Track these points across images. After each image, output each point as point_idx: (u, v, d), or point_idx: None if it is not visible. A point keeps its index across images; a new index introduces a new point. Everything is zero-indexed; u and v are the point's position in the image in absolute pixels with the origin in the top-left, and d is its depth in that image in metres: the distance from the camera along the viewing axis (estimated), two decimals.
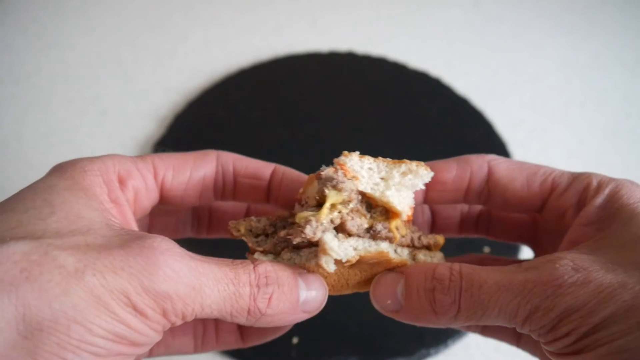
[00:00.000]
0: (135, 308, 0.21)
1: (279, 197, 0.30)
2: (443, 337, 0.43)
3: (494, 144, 0.54)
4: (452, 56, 0.64)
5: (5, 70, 0.62)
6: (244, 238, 0.27)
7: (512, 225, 0.31)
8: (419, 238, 0.27)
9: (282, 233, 0.26)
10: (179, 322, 0.22)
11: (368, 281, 0.27)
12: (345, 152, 0.26)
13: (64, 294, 0.19)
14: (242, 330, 0.30)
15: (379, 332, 0.43)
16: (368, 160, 0.26)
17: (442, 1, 0.70)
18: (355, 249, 0.25)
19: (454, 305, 0.24)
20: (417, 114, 0.56)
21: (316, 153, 0.54)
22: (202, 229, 0.32)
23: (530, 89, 0.61)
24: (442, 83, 0.59)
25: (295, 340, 0.43)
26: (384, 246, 0.25)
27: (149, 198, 0.27)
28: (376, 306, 0.27)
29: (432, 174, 0.26)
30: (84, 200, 0.23)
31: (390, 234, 0.26)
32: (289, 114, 0.56)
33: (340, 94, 0.58)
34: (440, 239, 0.28)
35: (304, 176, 0.29)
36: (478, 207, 0.31)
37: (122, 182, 0.25)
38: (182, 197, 0.28)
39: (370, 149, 0.57)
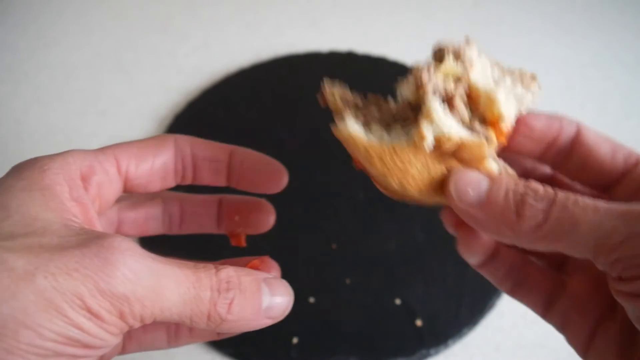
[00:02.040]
0: (89, 311, 0.20)
1: (240, 179, 0.29)
2: (443, 337, 0.43)
3: None
4: None
5: (5, 70, 0.62)
6: (334, 105, 0.25)
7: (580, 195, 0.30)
8: (504, 167, 0.25)
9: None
10: (137, 324, 0.22)
11: (441, 186, 0.24)
12: (466, 37, 0.24)
13: (12, 298, 0.19)
14: None
15: (379, 332, 0.43)
16: (485, 57, 0.24)
17: (442, 1, 0.70)
18: (456, 131, 0.22)
19: (542, 213, 0.22)
20: None
21: (316, 153, 0.54)
22: (174, 224, 0.32)
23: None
24: None
25: (295, 340, 0.43)
26: (483, 141, 0.23)
27: (113, 191, 0.26)
28: (453, 194, 0.24)
29: (540, 90, 0.25)
30: (41, 201, 0.22)
31: (488, 135, 0.23)
32: (289, 114, 0.56)
33: None
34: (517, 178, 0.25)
35: (264, 157, 0.29)
36: (541, 171, 0.30)
37: (85, 179, 0.25)
38: (145, 184, 0.27)
39: None
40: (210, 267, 0.24)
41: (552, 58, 0.64)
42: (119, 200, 0.28)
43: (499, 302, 0.46)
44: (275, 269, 0.29)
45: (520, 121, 0.25)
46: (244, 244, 0.31)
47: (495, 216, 0.23)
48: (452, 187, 0.24)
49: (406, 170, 0.24)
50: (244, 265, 0.27)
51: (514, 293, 0.29)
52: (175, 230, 0.32)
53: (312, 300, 0.45)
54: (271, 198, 0.50)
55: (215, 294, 0.23)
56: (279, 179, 0.29)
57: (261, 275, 0.25)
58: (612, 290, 0.22)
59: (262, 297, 0.24)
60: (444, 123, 0.22)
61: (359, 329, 0.43)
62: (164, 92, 0.60)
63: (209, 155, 0.29)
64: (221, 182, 0.29)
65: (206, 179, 0.29)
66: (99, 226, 0.25)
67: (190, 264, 0.24)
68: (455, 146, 0.23)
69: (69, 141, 0.56)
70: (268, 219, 0.31)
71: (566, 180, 0.29)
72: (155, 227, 0.31)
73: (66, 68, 0.62)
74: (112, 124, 0.57)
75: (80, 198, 0.24)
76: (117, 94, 0.60)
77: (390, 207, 0.50)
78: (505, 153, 0.26)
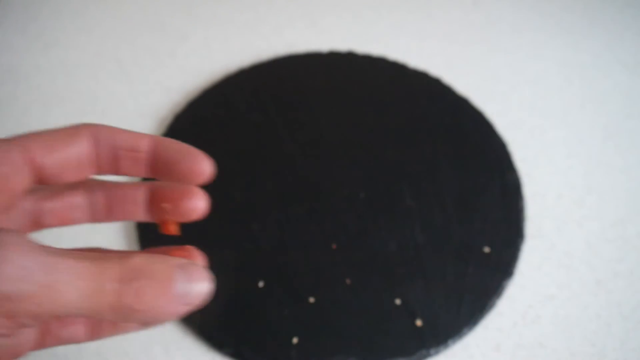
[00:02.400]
0: None
1: (162, 170, 0.28)
2: (443, 337, 0.43)
3: (495, 144, 0.54)
4: (452, 56, 0.64)
5: (5, 70, 0.62)
6: None
7: None
8: None
9: None
10: (32, 323, 0.21)
11: None
12: None
13: None
14: None
15: (379, 332, 0.43)
16: None
17: (442, 1, 0.70)
18: None
19: None
20: (418, 113, 0.56)
21: (316, 152, 0.53)
22: (100, 213, 0.30)
23: (530, 90, 0.61)
24: (442, 83, 0.59)
25: (295, 340, 0.43)
26: None
27: (21, 182, 0.25)
28: None
29: None
30: None
31: None
32: (289, 114, 0.56)
33: (340, 93, 0.58)
34: None
35: (185, 146, 0.28)
36: None
37: None
38: (59, 175, 0.26)
39: (371, 149, 0.57)
40: (117, 256, 0.22)
41: (552, 58, 0.64)
42: (37, 190, 0.27)
43: (499, 302, 0.46)
44: (199, 259, 0.28)
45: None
46: (175, 232, 0.29)
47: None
48: None
49: None
50: (166, 254, 0.26)
51: None
52: (102, 219, 0.30)
53: (312, 300, 0.45)
54: (271, 198, 0.51)
55: (120, 285, 0.21)
56: (201, 168, 0.27)
57: (176, 261, 0.24)
58: None
59: (177, 284, 0.23)
60: None
61: (359, 329, 0.43)
62: (164, 92, 0.60)
63: (129, 145, 0.27)
64: (142, 173, 0.28)
65: (127, 170, 0.28)
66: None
67: (94, 254, 0.22)
68: None
69: None
70: (199, 206, 0.29)
71: None
72: (79, 217, 0.30)
73: (66, 68, 0.62)
74: (111, 123, 0.57)
75: None
76: (116, 94, 0.60)
77: (390, 207, 0.50)
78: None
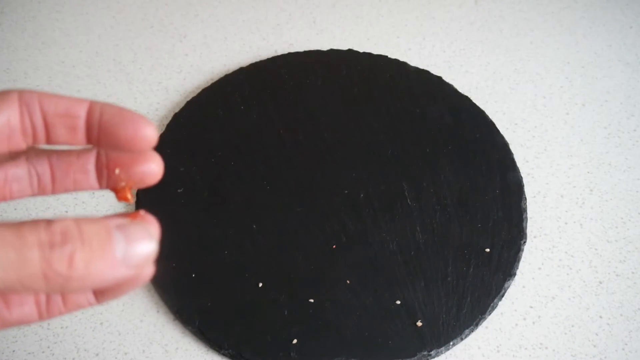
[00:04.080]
0: None
1: (100, 136, 0.26)
2: (443, 338, 0.43)
3: (496, 144, 0.54)
4: (453, 55, 0.63)
5: (3, 69, 0.62)
6: None
7: None
8: None
9: None
10: None
11: None
12: None
13: None
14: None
15: (379, 334, 0.43)
16: None
17: (442, 0, 0.70)
18: None
19: None
20: (418, 112, 0.56)
21: (316, 152, 0.53)
22: (44, 185, 0.28)
23: (531, 88, 0.61)
24: (443, 81, 0.59)
25: (295, 340, 0.43)
26: None
27: None
28: None
29: None
30: None
31: None
32: (288, 113, 0.56)
33: (340, 92, 0.58)
34: None
35: (126, 110, 0.26)
36: None
37: None
38: None
39: (371, 148, 0.57)
40: (40, 221, 0.21)
41: (552, 57, 0.64)
42: None
43: (500, 303, 0.45)
44: (153, 224, 0.25)
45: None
46: (130, 199, 0.28)
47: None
48: None
49: None
50: None
51: None
52: (48, 191, 0.28)
53: (312, 300, 0.44)
54: (271, 198, 0.50)
55: (46, 251, 0.20)
56: (143, 133, 0.25)
57: (113, 221, 0.22)
58: None
59: (115, 245, 0.21)
60: None
61: (359, 329, 0.43)
62: (163, 91, 0.60)
63: (62, 111, 0.25)
64: (80, 141, 0.26)
65: (62, 139, 0.26)
66: None
67: (12, 222, 0.21)
68: None
69: None
70: (154, 170, 0.27)
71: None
72: (20, 190, 0.28)
73: (65, 67, 0.62)
74: None
75: None
76: (115, 94, 0.60)
77: (390, 207, 0.49)
78: None
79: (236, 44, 0.65)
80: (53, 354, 0.44)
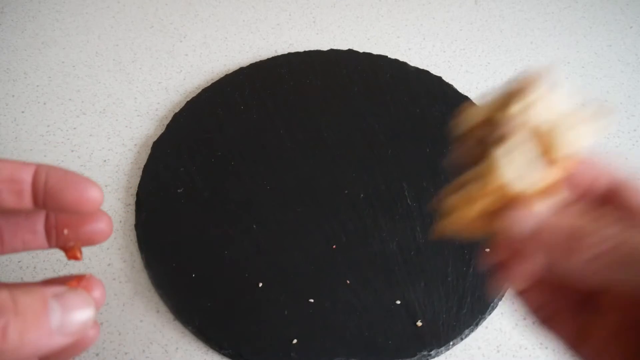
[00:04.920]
0: None
1: (46, 200, 0.25)
2: (444, 338, 0.43)
3: None
4: (452, 55, 0.63)
5: (3, 69, 0.62)
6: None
7: None
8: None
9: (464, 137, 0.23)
10: None
11: (493, 218, 0.23)
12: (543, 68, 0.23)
13: None
14: None
15: (379, 334, 0.43)
16: (561, 91, 0.24)
17: (442, 0, 0.70)
18: (517, 180, 0.22)
19: (609, 241, 0.21)
20: (418, 113, 0.56)
21: (316, 152, 0.53)
22: None
23: None
24: (443, 82, 0.59)
25: (295, 340, 0.43)
26: (541, 188, 0.23)
27: None
28: (512, 222, 0.23)
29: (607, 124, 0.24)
30: None
31: (550, 177, 0.23)
32: (288, 113, 0.56)
33: (340, 92, 0.58)
34: None
35: (71, 174, 0.25)
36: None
37: None
38: None
39: (371, 148, 0.57)
40: None
41: (553, 57, 0.64)
42: None
43: (500, 303, 0.45)
44: (98, 287, 0.26)
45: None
46: (79, 257, 0.28)
47: (557, 241, 0.22)
48: (511, 218, 0.23)
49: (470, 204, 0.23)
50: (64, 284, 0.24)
51: (545, 324, 0.27)
52: None
53: (312, 300, 0.44)
54: (271, 198, 0.50)
55: None
56: (88, 196, 0.25)
57: (49, 291, 0.22)
58: None
59: (50, 315, 0.21)
60: (511, 172, 0.22)
61: (359, 329, 0.43)
62: (163, 91, 0.60)
63: (7, 176, 0.25)
64: (27, 205, 0.25)
65: (9, 203, 0.25)
66: None
67: None
68: (515, 194, 0.22)
69: (68, 140, 0.56)
70: (102, 229, 0.27)
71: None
72: None
73: (64, 67, 0.62)
74: (110, 123, 0.57)
75: None
76: (115, 93, 0.60)
77: (390, 207, 0.49)
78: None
79: (236, 43, 0.65)
80: None
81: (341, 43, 0.64)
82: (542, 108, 0.23)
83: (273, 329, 0.44)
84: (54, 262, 0.48)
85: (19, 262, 0.48)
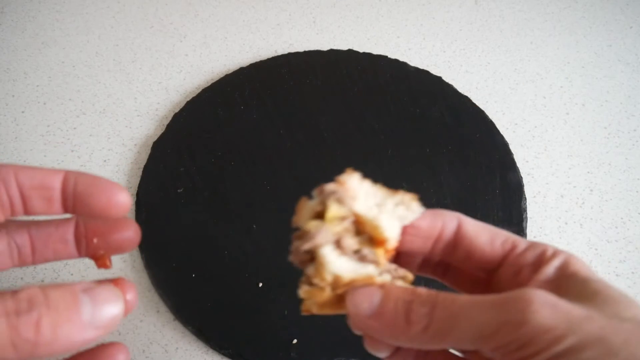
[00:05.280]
0: None
1: (76, 204, 0.26)
2: None
3: (496, 144, 0.54)
4: (452, 55, 0.63)
5: (3, 69, 0.62)
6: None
7: (468, 278, 0.32)
8: (395, 269, 0.28)
9: (295, 253, 0.27)
10: None
11: (342, 300, 0.27)
12: (349, 170, 0.27)
13: None
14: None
15: None
16: (367, 184, 0.27)
17: (442, 0, 0.70)
18: (345, 270, 0.25)
19: (427, 317, 0.24)
20: (418, 113, 0.56)
21: (316, 152, 0.53)
22: (25, 256, 0.29)
23: (531, 88, 0.61)
24: (443, 82, 0.59)
25: (295, 341, 0.43)
26: (372, 270, 0.26)
27: None
28: (351, 308, 0.26)
29: (422, 210, 0.27)
30: None
31: (376, 259, 0.26)
32: (288, 113, 0.56)
33: (340, 92, 0.58)
34: (409, 274, 0.29)
35: (99, 179, 0.26)
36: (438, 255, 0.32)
37: None
38: None
39: (371, 148, 0.57)
40: (5, 292, 0.21)
41: (552, 57, 0.64)
42: None
43: None
44: (131, 290, 0.26)
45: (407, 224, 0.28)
46: (109, 266, 0.29)
47: (389, 324, 0.25)
48: (349, 302, 0.26)
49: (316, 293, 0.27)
50: None
51: None
52: (28, 262, 0.29)
53: None
54: (271, 198, 0.50)
55: (13, 319, 0.20)
56: (117, 200, 0.26)
57: (78, 285, 0.22)
58: None
59: (82, 308, 0.22)
60: (337, 267, 0.25)
61: None
62: (163, 91, 0.60)
63: (37, 183, 0.26)
64: (56, 210, 0.27)
65: (39, 209, 0.26)
66: None
67: None
68: (350, 280, 0.26)
69: (68, 140, 0.56)
70: (131, 238, 0.28)
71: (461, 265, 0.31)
72: (1, 262, 0.28)
73: (64, 67, 0.62)
74: (110, 123, 0.57)
75: None
76: (115, 93, 0.60)
77: None
78: (398, 253, 0.29)
79: (236, 44, 0.65)
80: None
81: (341, 43, 0.64)
82: (359, 203, 0.26)
83: (273, 329, 0.44)
84: (75, 268, 0.48)
85: (45, 268, 0.48)
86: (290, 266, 0.48)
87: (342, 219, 0.26)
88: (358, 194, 0.26)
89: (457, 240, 0.29)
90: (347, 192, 0.26)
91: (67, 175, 0.26)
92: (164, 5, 0.69)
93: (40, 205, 0.26)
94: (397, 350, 0.29)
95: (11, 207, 0.26)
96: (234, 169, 0.52)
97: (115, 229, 0.28)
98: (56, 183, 0.26)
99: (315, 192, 0.27)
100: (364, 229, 0.27)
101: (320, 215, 0.26)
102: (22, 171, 0.26)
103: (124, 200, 0.26)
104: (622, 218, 0.50)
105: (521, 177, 0.52)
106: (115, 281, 0.25)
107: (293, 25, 0.66)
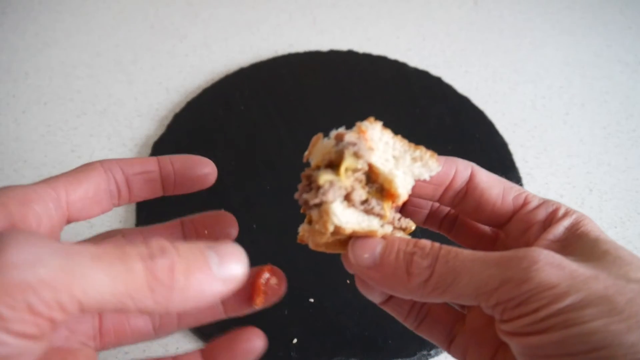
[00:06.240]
0: None
1: (176, 182, 0.30)
2: None
3: (495, 144, 0.54)
4: (452, 56, 0.63)
5: (4, 69, 0.62)
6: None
7: (475, 233, 0.31)
8: (399, 219, 0.28)
9: (302, 198, 0.26)
10: (60, 316, 0.19)
11: (346, 242, 0.27)
12: (371, 119, 0.26)
13: None
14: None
15: (380, 333, 0.43)
16: (388, 135, 0.26)
17: (442, 1, 0.70)
18: (349, 222, 0.25)
19: (428, 269, 0.24)
20: (418, 113, 0.56)
21: None
22: (124, 197, 0.30)
23: (530, 89, 0.61)
24: (443, 82, 0.59)
25: (295, 340, 0.43)
26: (375, 224, 0.26)
27: (58, 220, 0.25)
28: (351, 258, 0.26)
29: (439, 168, 0.27)
30: None
31: (382, 212, 0.26)
32: (288, 113, 0.56)
33: (340, 93, 0.58)
34: (412, 224, 0.28)
35: (189, 155, 0.30)
36: (447, 208, 0.32)
37: (24, 203, 0.24)
38: (83, 209, 0.27)
39: None
40: (137, 240, 0.23)
41: (552, 57, 0.64)
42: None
43: None
44: (280, 277, 0.30)
45: None
46: (259, 304, 0.32)
47: (388, 275, 0.25)
48: (350, 252, 0.26)
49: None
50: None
51: (418, 329, 0.30)
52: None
53: (312, 300, 0.45)
54: (271, 198, 0.50)
55: (148, 262, 0.20)
56: (209, 168, 0.30)
57: (203, 243, 0.23)
58: (497, 331, 0.23)
59: (210, 260, 0.22)
60: (341, 220, 0.25)
61: (359, 329, 0.43)
62: (164, 91, 0.60)
63: (139, 169, 0.29)
64: (157, 192, 0.30)
65: (143, 193, 0.30)
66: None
67: (110, 243, 0.22)
68: (351, 231, 0.25)
69: (68, 140, 0.56)
70: (233, 227, 0.32)
71: (468, 220, 0.31)
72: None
73: (65, 68, 0.62)
74: (111, 123, 0.57)
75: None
76: (116, 94, 0.60)
77: None
78: (408, 199, 0.29)
79: (236, 44, 0.65)
80: None
81: (341, 44, 0.64)
82: (376, 155, 0.26)
83: (273, 329, 0.44)
84: None
85: None
86: (291, 266, 0.48)
87: (356, 170, 0.25)
88: (377, 145, 0.26)
89: (468, 190, 0.28)
90: (366, 143, 0.25)
91: (161, 159, 0.30)
92: (164, 5, 0.69)
93: (143, 189, 0.29)
94: (391, 297, 0.29)
95: (119, 195, 0.29)
96: (234, 169, 0.52)
97: (221, 220, 0.33)
98: (154, 167, 0.30)
99: (333, 135, 0.26)
100: (376, 178, 0.26)
101: (333, 163, 0.26)
102: (123, 162, 0.29)
103: (214, 171, 0.31)
104: (621, 218, 0.51)
105: (521, 177, 0.52)
106: (268, 268, 0.30)
107: (293, 26, 0.67)
